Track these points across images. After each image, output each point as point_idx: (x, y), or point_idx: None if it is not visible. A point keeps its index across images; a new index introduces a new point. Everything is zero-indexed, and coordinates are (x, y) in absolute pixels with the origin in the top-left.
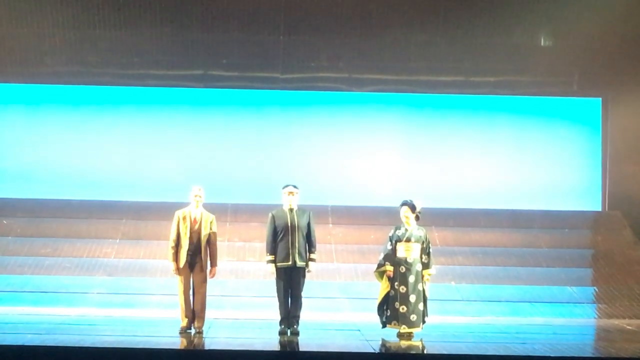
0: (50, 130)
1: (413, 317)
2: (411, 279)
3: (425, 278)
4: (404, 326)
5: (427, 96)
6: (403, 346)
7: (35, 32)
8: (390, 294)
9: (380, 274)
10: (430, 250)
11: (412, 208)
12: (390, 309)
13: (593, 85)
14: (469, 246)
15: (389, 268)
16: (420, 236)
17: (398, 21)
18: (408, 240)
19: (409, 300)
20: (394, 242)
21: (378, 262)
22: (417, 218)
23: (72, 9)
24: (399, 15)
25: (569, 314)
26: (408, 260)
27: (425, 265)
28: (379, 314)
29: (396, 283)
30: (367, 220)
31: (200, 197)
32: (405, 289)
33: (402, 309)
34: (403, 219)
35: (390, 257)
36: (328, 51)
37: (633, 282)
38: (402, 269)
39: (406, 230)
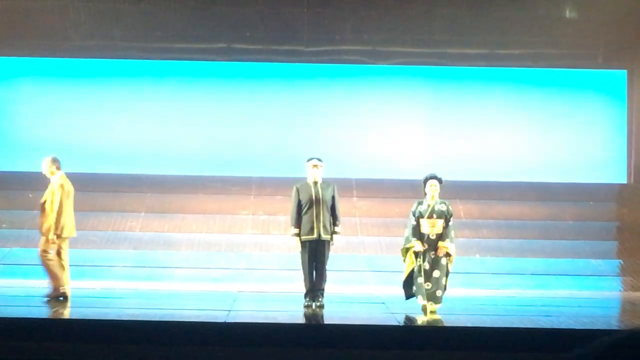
0: (74, 104)
1: (438, 293)
2: (433, 254)
3: (445, 252)
4: (430, 302)
5: (452, 69)
6: (427, 319)
7: (60, 5)
8: (415, 270)
9: (406, 250)
10: (451, 223)
11: (440, 181)
12: (416, 285)
13: (618, 58)
14: (493, 219)
15: (416, 244)
16: (443, 211)
17: None
18: (430, 216)
19: (432, 276)
20: (417, 217)
21: (405, 238)
22: None
23: None
24: None
25: (594, 286)
26: (430, 236)
27: (440, 237)
28: (404, 289)
29: (419, 259)
30: (391, 193)
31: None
32: (428, 265)
33: (427, 285)
34: (430, 193)
35: (417, 232)
36: (352, 24)
37: None
38: (425, 245)
39: (429, 205)
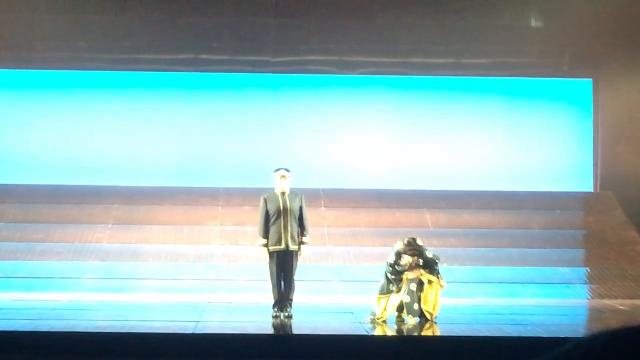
0: (41, 116)
1: (416, 307)
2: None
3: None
4: (410, 315)
5: (418, 78)
6: (396, 329)
7: (26, 17)
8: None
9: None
10: (437, 268)
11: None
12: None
13: (584, 67)
14: (461, 228)
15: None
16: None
17: (388, 3)
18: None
19: (411, 290)
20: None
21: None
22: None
23: None
24: None
25: (561, 294)
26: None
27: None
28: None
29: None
30: (359, 203)
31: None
32: (415, 285)
33: (406, 299)
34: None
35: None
36: (319, 34)
37: (625, 263)
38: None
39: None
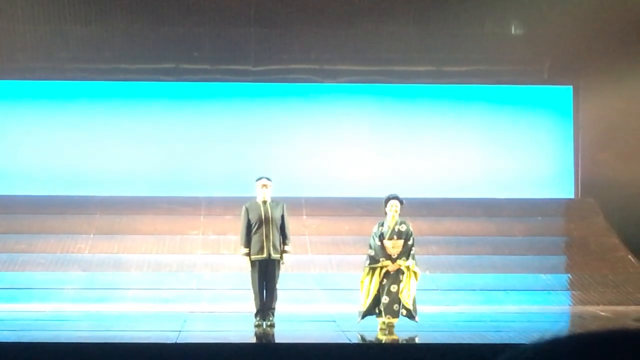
0: (21, 127)
1: (395, 307)
2: (393, 272)
3: (397, 268)
4: (388, 316)
5: (400, 86)
6: (378, 336)
7: (6, 28)
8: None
9: (372, 269)
10: (410, 242)
11: (401, 202)
12: (372, 302)
13: (564, 74)
14: (442, 235)
15: (386, 263)
16: (403, 231)
17: (370, 12)
18: (392, 237)
19: (390, 291)
20: (379, 238)
21: (370, 257)
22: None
23: (43, 4)
24: (371, 6)
25: (543, 301)
26: (393, 256)
27: (402, 255)
28: (368, 309)
29: (384, 278)
30: (341, 211)
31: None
32: (385, 280)
33: (385, 299)
34: (390, 214)
35: (384, 252)
36: (300, 43)
37: (606, 269)
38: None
39: (389, 227)
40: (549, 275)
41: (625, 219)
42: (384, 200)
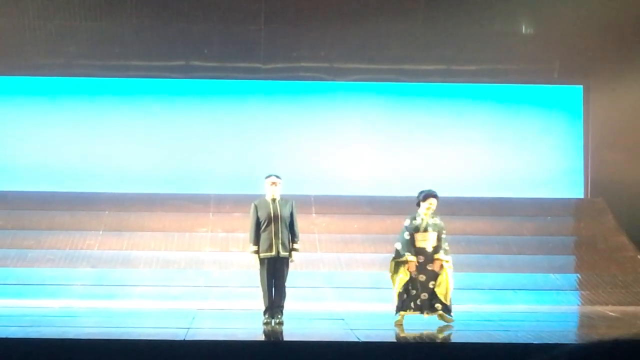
0: (31, 123)
1: (434, 303)
2: (429, 267)
3: (440, 265)
4: (427, 311)
5: (409, 85)
6: (386, 335)
7: (15, 23)
8: (409, 284)
9: (397, 263)
10: (444, 236)
11: (437, 199)
12: (408, 297)
13: (574, 73)
14: (451, 234)
15: (411, 259)
16: (436, 224)
17: (379, 10)
18: (425, 230)
19: (428, 287)
20: (411, 232)
21: (397, 251)
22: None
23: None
24: (380, 4)
25: (552, 301)
26: (427, 250)
27: (436, 250)
28: (398, 302)
29: (414, 272)
30: (350, 209)
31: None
32: (424, 277)
33: (424, 295)
34: (424, 209)
35: (410, 247)
36: (309, 41)
37: (615, 269)
38: (421, 258)
39: (422, 219)
40: (558, 275)
41: (635, 218)
42: (421, 195)
